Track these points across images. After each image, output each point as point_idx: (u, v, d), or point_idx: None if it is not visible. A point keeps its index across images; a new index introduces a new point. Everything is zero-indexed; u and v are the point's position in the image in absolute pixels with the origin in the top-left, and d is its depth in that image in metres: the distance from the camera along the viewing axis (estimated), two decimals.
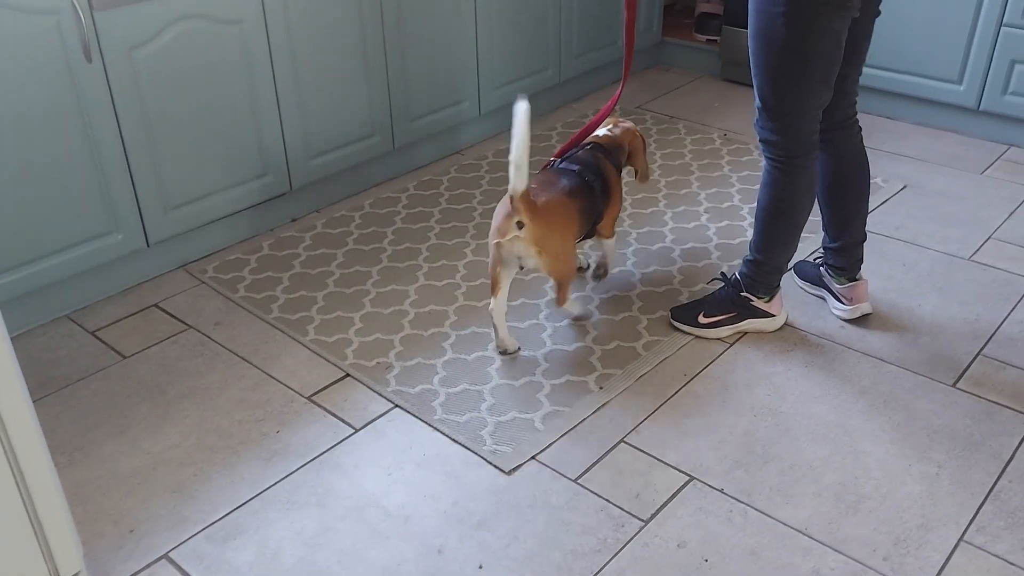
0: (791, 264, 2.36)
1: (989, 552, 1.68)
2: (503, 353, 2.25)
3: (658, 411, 2.06)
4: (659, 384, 2.14)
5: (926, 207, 2.85)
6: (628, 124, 2.49)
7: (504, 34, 3.25)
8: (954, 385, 2.10)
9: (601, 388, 2.13)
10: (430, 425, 2.02)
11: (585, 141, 2.37)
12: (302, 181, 2.80)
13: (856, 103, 2.20)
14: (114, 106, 2.29)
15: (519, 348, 2.26)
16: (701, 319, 2.29)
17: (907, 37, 3.25)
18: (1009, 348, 2.22)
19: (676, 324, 2.32)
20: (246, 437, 2.00)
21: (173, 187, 2.49)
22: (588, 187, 2.23)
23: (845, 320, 2.33)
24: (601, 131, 2.42)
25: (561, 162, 2.30)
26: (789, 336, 2.29)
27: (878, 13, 2.08)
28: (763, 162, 2.13)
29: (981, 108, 3.21)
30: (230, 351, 2.28)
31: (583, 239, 2.34)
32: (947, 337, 2.26)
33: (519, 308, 2.41)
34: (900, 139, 3.31)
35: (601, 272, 2.52)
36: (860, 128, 2.22)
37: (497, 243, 2.09)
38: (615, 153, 2.39)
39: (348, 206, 2.94)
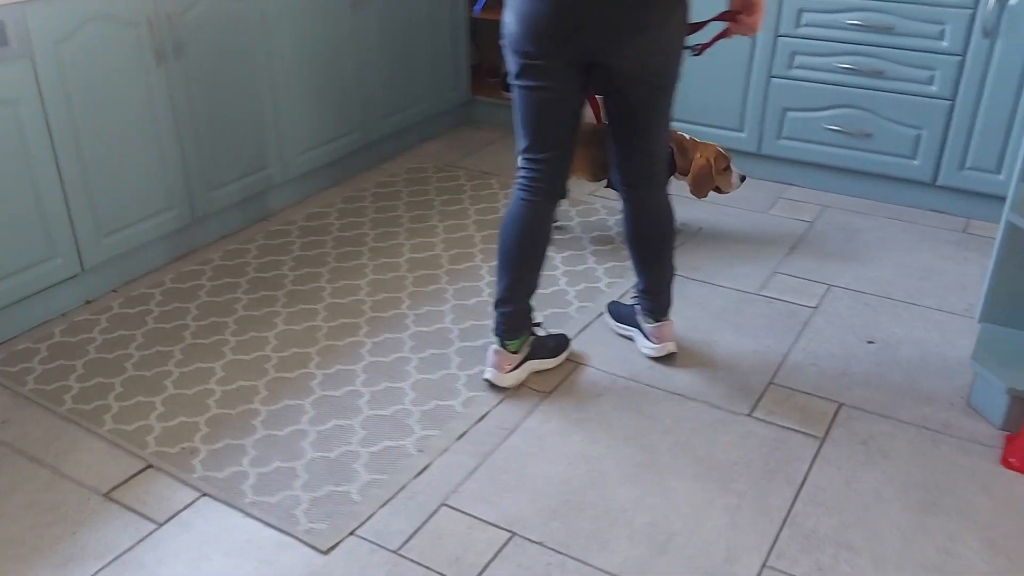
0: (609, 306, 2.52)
1: (789, 575, 1.79)
2: None
3: (478, 469, 2.07)
4: (478, 441, 2.15)
5: (718, 247, 3.04)
6: (709, 150, 2.92)
7: (305, 99, 3.23)
8: (750, 415, 2.24)
9: (421, 451, 2.11)
10: (240, 510, 1.94)
11: None
12: (95, 260, 2.65)
13: (652, 165, 2.24)
14: None
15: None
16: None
17: (690, 90, 3.48)
18: (796, 375, 2.39)
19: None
20: (38, 544, 1.85)
21: None
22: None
23: (652, 358, 2.44)
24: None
25: None
26: (600, 380, 2.37)
27: (652, 93, 2.11)
28: None
29: (762, 152, 3.48)
30: (18, 451, 2.11)
31: (607, 184, 2.95)
32: (741, 370, 2.41)
33: (334, 375, 2.37)
34: None
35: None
36: (662, 186, 2.28)
37: None
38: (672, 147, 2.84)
39: (147, 283, 2.81)
